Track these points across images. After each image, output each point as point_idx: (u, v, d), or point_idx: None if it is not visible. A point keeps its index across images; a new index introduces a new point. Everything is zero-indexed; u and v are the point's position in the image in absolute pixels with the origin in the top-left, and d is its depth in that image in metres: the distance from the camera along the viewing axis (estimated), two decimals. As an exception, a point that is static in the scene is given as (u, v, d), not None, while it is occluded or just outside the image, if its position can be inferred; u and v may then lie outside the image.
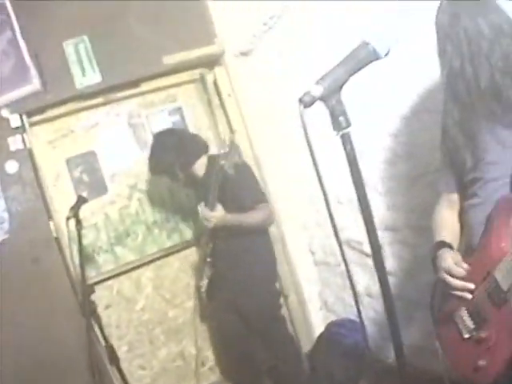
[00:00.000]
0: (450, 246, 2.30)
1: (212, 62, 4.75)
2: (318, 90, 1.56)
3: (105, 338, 3.67)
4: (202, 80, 4.83)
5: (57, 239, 4.11)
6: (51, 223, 4.09)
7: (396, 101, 3.31)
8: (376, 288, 4.02)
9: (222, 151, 3.64)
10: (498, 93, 2.04)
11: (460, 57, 2.08)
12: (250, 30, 4.39)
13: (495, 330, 2.04)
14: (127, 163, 4.60)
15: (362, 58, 1.63)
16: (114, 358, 3.65)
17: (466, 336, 2.15)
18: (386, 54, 1.65)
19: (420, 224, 3.46)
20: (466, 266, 2.12)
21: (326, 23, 3.73)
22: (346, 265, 1.80)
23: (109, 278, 4.49)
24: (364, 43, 1.63)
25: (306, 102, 1.55)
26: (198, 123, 4.89)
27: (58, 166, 4.44)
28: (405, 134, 3.33)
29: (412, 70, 2.99)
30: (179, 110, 4.84)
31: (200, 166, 4.03)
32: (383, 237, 3.81)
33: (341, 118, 1.58)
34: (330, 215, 1.66)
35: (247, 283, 3.96)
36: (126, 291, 4.59)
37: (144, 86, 4.59)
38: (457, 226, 2.45)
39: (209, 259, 4.11)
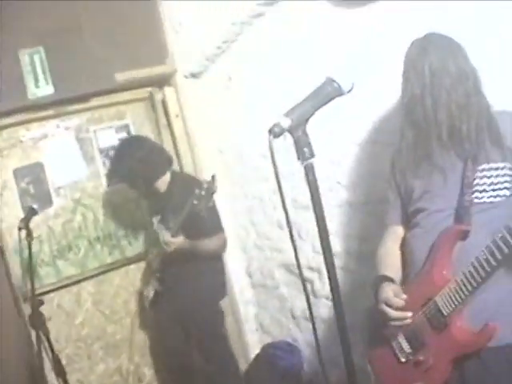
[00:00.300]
0: (392, 280, 2.48)
1: (162, 81, 4.98)
2: (286, 122, 1.67)
3: (52, 350, 3.88)
4: (151, 99, 5.06)
5: (0, 248, 4.35)
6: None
7: (339, 130, 3.60)
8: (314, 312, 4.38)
9: (198, 191, 3.69)
10: (452, 126, 2.30)
11: (421, 86, 2.32)
12: (202, 53, 4.64)
13: (433, 353, 2.30)
14: (73, 177, 4.76)
15: (328, 94, 1.75)
16: (60, 370, 3.89)
17: (403, 360, 2.42)
18: (350, 91, 1.77)
19: (359, 250, 3.75)
20: (404, 297, 2.36)
21: (276, 52, 4.02)
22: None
23: (50, 291, 4.62)
24: (329, 80, 1.75)
25: (276, 133, 1.66)
26: None
27: (5, 175, 4.63)
28: (347, 162, 3.60)
29: (356, 102, 3.18)
30: (126, 127, 5.04)
31: (163, 182, 4.21)
32: (323, 261, 4.14)
33: (305, 149, 1.69)
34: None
35: (194, 299, 4.17)
36: (66, 305, 4.74)
37: (94, 101, 4.80)
38: (399, 259, 2.66)
39: (158, 274, 4.31)
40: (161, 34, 4.90)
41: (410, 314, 2.34)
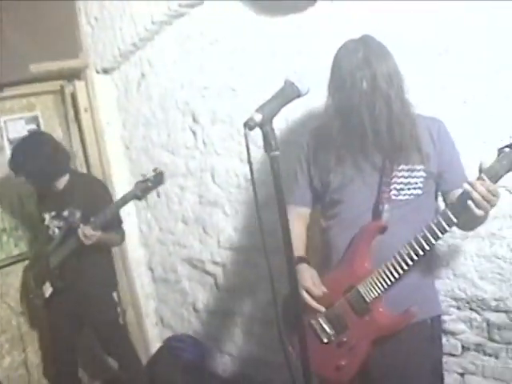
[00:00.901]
0: (308, 262, 2.87)
1: (73, 75, 5.43)
2: (258, 117, 1.96)
3: None
4: (62, 92, 5.52)
5: None
6: None
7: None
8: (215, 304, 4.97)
9: (144, 182, 4.26)
10: (378, 129, 2.61)
11: (359, 95, 2.58)
12: (116, 49, 5.14)
13: (356, 335, 2.76)
14: None
15: (289, 95, 2.10)
16: None
17: (325, 340, 2.78)
18: (306, 93, 2.13)
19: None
20: (324, 289, 2.74)
21: (193, 53, 4.55)
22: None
23: None
24: (289, 82, 2.11)
25: (250, 126, 1.96)
26: (52, 134, 5.27)
27: None
28: (260, 161, 3.90)
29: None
30: (36, 119, 5.47)
31: (62, 180, 4.63)
32: (228, 256, 4.71)
33: (272, 142, 1.99)
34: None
35: (89, 293, 4.66)
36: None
37: (7, 92, 5.20)
38: (305, 239, 3.04)
39: (57, 271, 4.53)
40: (76, 28, 5.37)
41: (323, 309, 2.77)
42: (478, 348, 3.37)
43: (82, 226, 4.25)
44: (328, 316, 2.80)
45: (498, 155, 2.34)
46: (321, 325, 2.82)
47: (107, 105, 5.52)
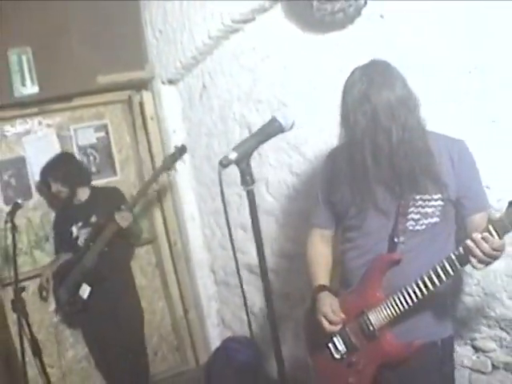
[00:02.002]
0: (329, 289, 2.93)
1: (140, 85, 5.70)
2: (233, 156, 2.12)
3: (31, 332, 4.63)
4: (129, 101, 5.81)
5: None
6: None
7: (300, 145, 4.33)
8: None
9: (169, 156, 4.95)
10: (391, 164, 2.58)
11: (361, 131, 2.60)
12: (179, 61, 5.33)
13: (363, 357, 2.84)
14: None
15: (270, 132, 2.26)
16: (37, 350, 4.65)
17: (337, 357, 2.87)
18: (291, 128, 2.31)
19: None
20: (342, 316, 2.82)
21: (249, 67, 4.70)
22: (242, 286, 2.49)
23: (26, 279, 5.24)
24: (273, 119, 2.25)
25: (224, 164, 2.11)
26: (120, 141, 5.88)
27: (-12, 168, 5.28)
28: (306, 173, 4.13)
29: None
30: (105, 127, 5.81)
31: (84, 192, 5.16)
32: (280, 263, 4.90)
33: (248, 178, 2.14)
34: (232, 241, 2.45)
35: (125, 284, 5.25)
36: None
37: (76, 101, 5.52)
38: (330, 260, 3.12)
39: (93, 269, 4.91)
40: (142, 41, 5.61)
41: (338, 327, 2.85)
42: (507, 367, 3.36)
43: (116, 212, 4.70)
44: (341, 335, 2.88)
45: (508, 208, 2.32)
46: (334, 342, 2.91)
47: (173, 114, 5.73)
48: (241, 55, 4.73)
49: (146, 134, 5.80)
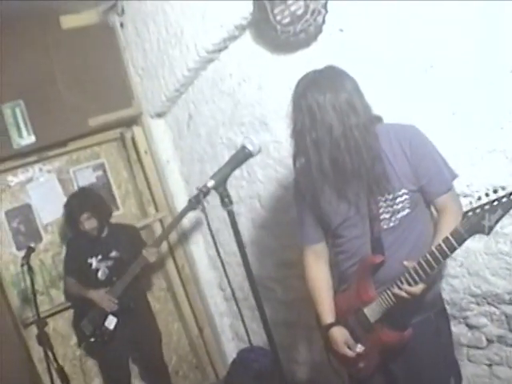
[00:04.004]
0: (338, 323, 3.09)
1: (130, 122, 5.91)
2: (211, 183, 2.48)
3: (56, 362, 4.85)
4: (122, 138, 6.05)
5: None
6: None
7: (284, 158, 4.54)
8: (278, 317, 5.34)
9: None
10: (343, 162, 2.74)
11: (307, 130, 2.77)
12: (163, 95, 5.57)
13: (366, 346, 3.00)
14: (58, 214, 5.62)
15: (241, 158, 2.59)
16: (64, 378, 4.89)
17: None
18: (259, 152, 2.60)
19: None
20: (360, 348, 3.00)
21: (229, 93, 4.94)
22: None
23: (45, 317, 5.24)
24: (242, 147, 2.55)
25: (204, 192, 2.49)
26: (118, 177, 6.10)
27: (-3, 217, 5.55)
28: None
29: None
30: (102, 165, 6.03)
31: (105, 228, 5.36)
32: (281, 271, 5.12)
33: (226, 200, 2.50)
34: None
35: (146, 315, 5.55)
36: (60, 328, 5.63)
37: (71, 145, 5.74)
38: (329, 279, 3.25)
39: (116, 301, 5.09)
40: (126, 80, 5.83)
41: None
42: (501, 340, 3.58)
43: (144, 249, 5.00)
44: (346, 328, 3.08)
45: (463, 218, 2.51)
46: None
47: (164, 145, 5.97)
48: (220, 82, 4.99)
49: (142, 167, 6.01)
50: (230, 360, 5.76)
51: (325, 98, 2.71)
